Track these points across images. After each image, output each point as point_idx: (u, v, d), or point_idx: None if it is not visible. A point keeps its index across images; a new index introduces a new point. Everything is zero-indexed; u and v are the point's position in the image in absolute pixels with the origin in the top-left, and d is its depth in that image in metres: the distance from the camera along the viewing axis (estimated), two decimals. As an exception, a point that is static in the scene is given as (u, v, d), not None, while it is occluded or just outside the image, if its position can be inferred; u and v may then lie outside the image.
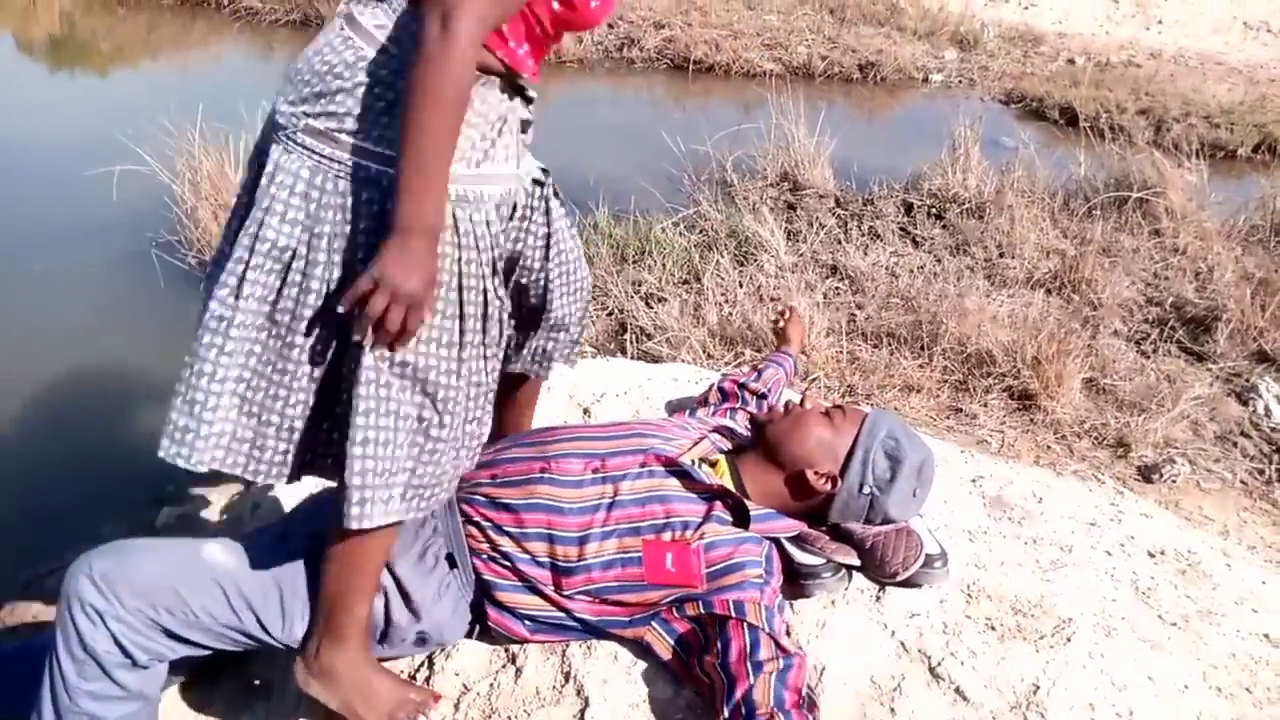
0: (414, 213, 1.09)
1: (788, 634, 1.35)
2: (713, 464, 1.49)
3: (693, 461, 1.43)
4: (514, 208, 1.35)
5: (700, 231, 3.80)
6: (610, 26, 6.82)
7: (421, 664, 1.42)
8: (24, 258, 3.60)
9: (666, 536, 1.33)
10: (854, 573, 1.47)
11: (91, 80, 6.81)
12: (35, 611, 2.09)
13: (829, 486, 1.44)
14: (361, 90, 1.14)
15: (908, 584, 1.45)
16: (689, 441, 1.49)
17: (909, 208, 4.08)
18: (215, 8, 7.74)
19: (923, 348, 2.98)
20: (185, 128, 3.65)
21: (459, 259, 1.20)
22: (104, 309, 3.35)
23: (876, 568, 1.44)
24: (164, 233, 3.64)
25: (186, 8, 7.91)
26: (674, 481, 1.39)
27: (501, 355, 1.34)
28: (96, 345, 3.15)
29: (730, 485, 1.43)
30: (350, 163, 1.15)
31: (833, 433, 1.46)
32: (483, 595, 1.37)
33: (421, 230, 1.10)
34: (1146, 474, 2.60)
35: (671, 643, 1.33)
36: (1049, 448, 2.67)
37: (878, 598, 1.44)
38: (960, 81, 6.34)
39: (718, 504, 1.38)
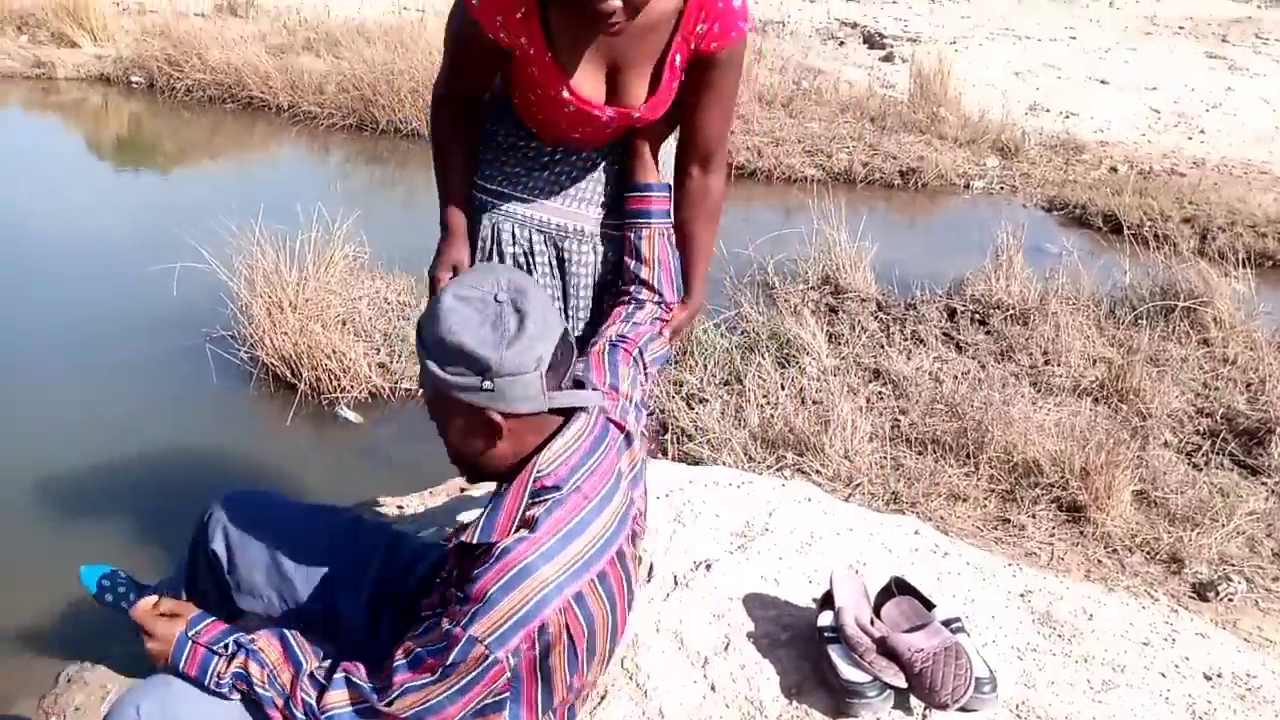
0: None
1: None
2: None
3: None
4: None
5: (742, 333, 3.82)
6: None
7: None
8: (88, 348, 3.72)
9: None
10: (900, 694, 1.43)
11: (156, 179, 7.11)
12: (78, 702, 2.09)
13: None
14: None
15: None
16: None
17: (952, 313, 4.08)
18: (276, 112, 8.09)
19: (968, 455, 2.94)
20: (246, 227, 3.78)
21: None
22: (157, 400, 3.44)
23: (926, 695, 1.40)
24: (219, 328, 3.74)
25: (248, 112, 8.27)
26: None
27: None
28: (147, 435, 3.21)
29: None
30: None
31: None
32: None
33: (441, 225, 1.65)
34: (1201, 592, 2.52)
35: None
36: (1099, 562, 2.60)
37: (925, 718, 1.40)
38: (1002, 188, 6.40)
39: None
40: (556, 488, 1.26)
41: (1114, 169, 6.81)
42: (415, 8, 10.10)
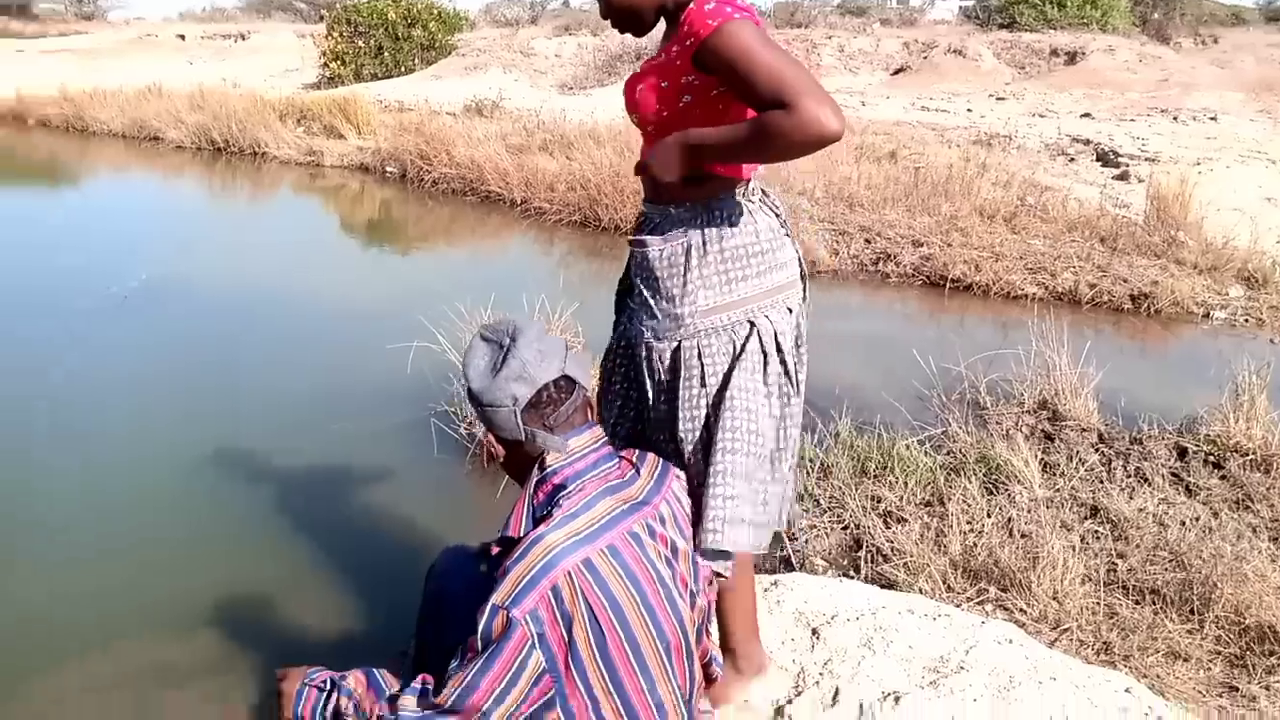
0: None
1: None
2: None
3: None
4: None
5: (947, 453, 3.71)
6: (867, 241, 7.01)
7: None
8: (329, 418, 4.09)
9: None
10: None
11: (401, 260, 7.78)
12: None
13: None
14: None
15: None
16: None
17: (1183, 452, 3.79)
18: (510, 205, 8.70)
19: (1192, 611, 2.70)
20: (477, 311, 4.08)
21: None
22: (383, 466, 3.71)
23: None
24: (443, 403, 4.02)
25: (485, 204, 8.94)
26: None
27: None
28: (371, 499, 3.48)
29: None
30: None
31: None
32: None
33: None
34: None
35: None
36: (1349, 751, 2.30)
37: None
38: (1246, 320, 5.92)
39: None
40: (562, 486, 1.50)
41: (1381, 307, 6.17)
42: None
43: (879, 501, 3.32)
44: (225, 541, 3.21)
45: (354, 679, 1.56)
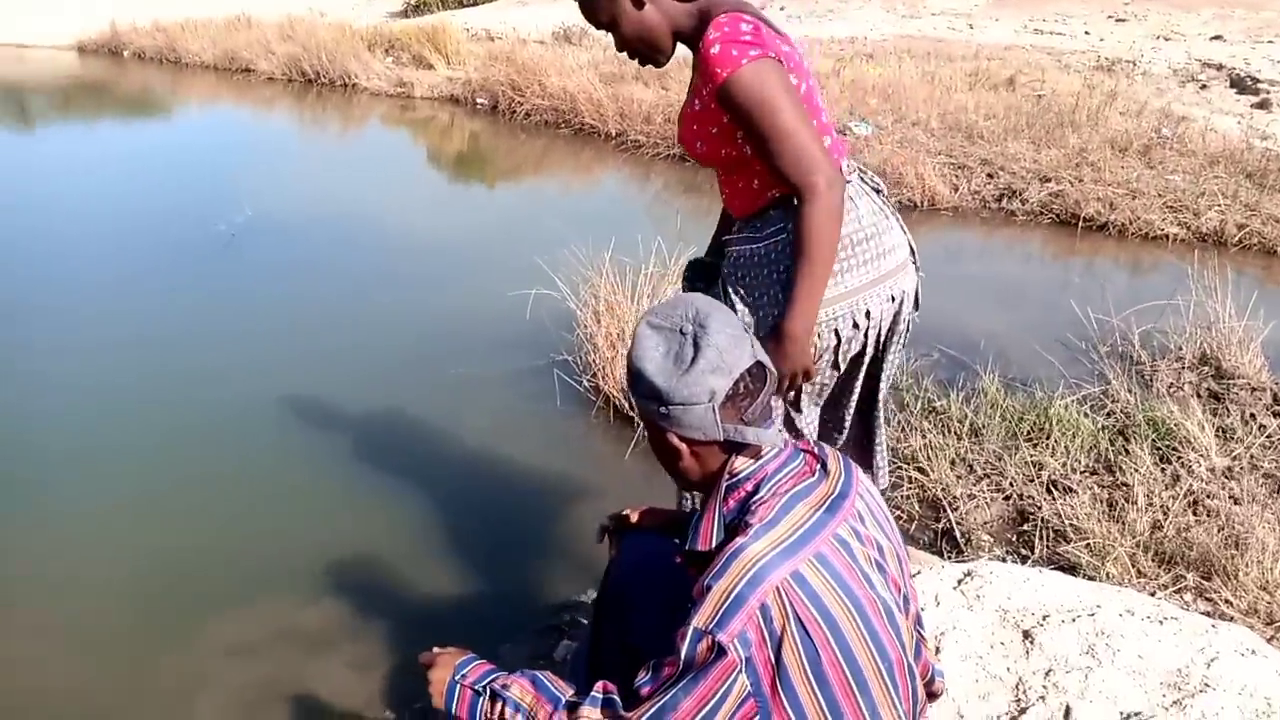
0: None
1: None
2: None
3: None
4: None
5: (1107, 414, 3.42)
6: (989, 176, 6.60)
7: None
8: (447, 362, 3.98)
9: None
10: None
11: (495, 196, 7.61)
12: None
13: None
14: None
15: None
16: None
17: (1373, 417, 3.44)
18: (604, 138, 8.43)
19: None
20: (600, 257, 3.90)
21: None
22: (507, 415, 3.59)
23: None
24: (564, 353, 3.86)
25: (579, 137, 8.69)
26: None
27: None
28: (495, 450, 3.35)
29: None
30: None
31: None
32: None
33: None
34: None
35: None
36: None
37: None
38: None
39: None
40: (755, 491, 1.31)
41: None
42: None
43: (1040, 468, 3.07)
44: (345, 493, 3.13)
45: (518, 687, 1.39)
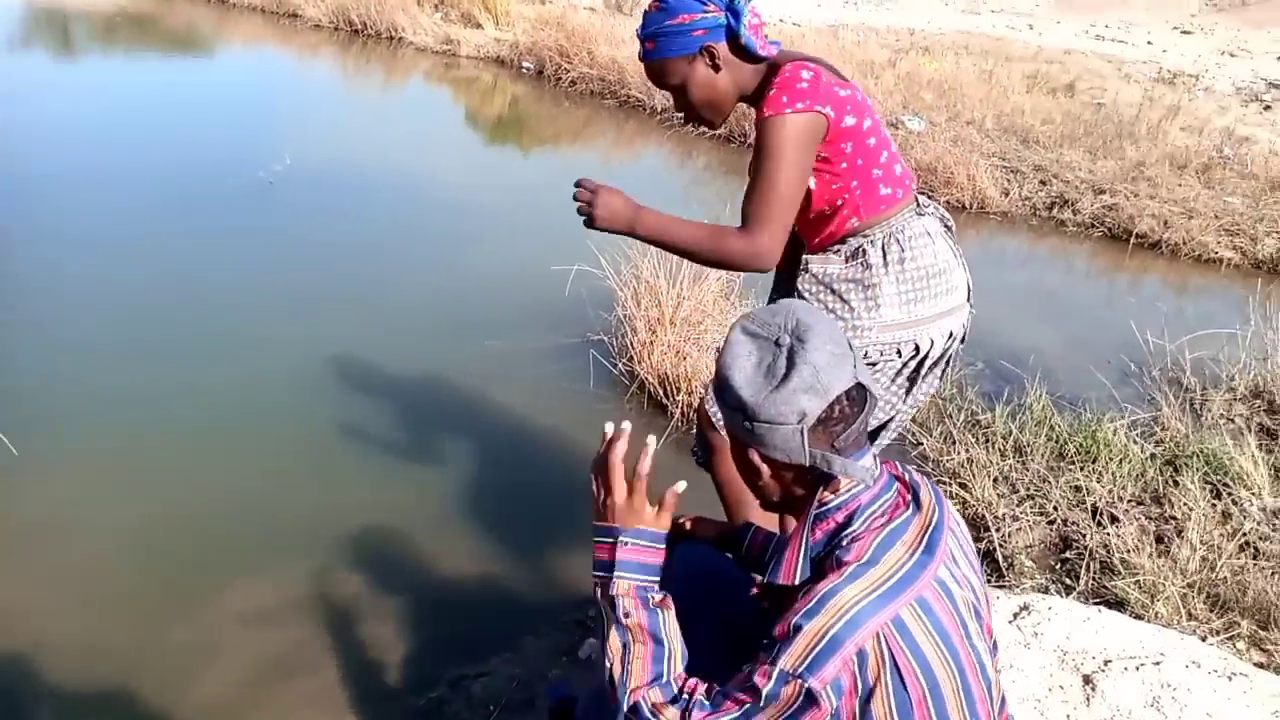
0: None
1: None
2: None
3: None
4: None
5: (1156, 441, 3.31)
6: (1042, 183, 6.44)
7: None
8: (482, 332, 3.89)
9: None
10: None
11: (536, 163, 7.50)
12: (458, 710, 2.09)
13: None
14: None
15: None
16: None
17: None
18: (649, 113, 8.29)
19: None
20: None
21: None
22: (541, 392, 3.50)
23: None
24: (600, 333, 3.77)
25: (623, 109, 8.55)
26: None
27: None
28: (524, 430, 3.27)
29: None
30: None
31: None
32: None
33: None
34: None
35: None
36: None
37: None
38: None
39: None
40: (846, 524, 1.20)
41: None
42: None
43: (1084, 493, 2.96)
44: (369, 461, 3.06)
45: (639, 631, 1.27)
